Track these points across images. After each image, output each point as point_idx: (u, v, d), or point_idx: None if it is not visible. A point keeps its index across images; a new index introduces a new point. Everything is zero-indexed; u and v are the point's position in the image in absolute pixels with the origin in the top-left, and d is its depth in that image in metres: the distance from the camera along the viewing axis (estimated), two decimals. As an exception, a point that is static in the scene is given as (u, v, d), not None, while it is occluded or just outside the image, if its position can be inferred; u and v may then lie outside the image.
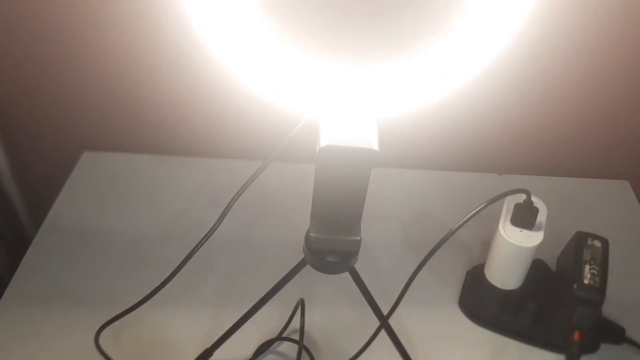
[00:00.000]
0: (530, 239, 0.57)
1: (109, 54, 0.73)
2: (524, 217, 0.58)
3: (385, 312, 0.53)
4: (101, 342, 0.58)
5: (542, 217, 0.58)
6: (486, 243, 0.64)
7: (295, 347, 0.61)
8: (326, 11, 0.52)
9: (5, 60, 0.75)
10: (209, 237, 0.51)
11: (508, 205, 0.60)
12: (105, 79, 0.77)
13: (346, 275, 0.51)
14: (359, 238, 0.47)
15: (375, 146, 0.43)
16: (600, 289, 0.54)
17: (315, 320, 0.64)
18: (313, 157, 0.43)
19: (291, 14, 0.46)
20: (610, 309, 0.61)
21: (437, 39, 0.41)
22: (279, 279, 0.53)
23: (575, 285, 0.55)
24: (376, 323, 0.54)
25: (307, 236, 0.49)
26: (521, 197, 0.58)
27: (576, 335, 0.55)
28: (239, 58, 0.42)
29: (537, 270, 0.63)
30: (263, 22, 0.42)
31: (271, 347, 0.62)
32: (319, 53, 0.42)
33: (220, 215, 0.51)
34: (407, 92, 0.44)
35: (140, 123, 0.83)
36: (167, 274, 0.53)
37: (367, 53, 0.43)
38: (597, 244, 0.57)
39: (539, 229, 0.58)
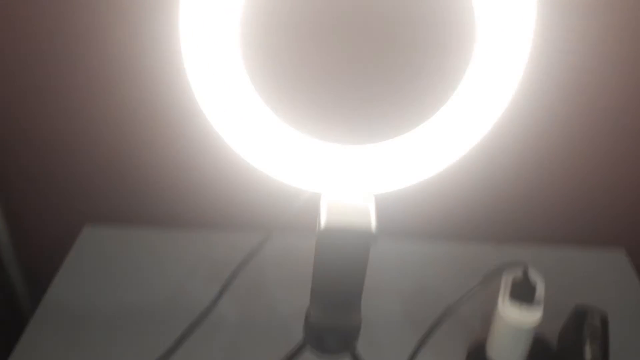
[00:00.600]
0: (529, 317, 0.57)
1: (111, 129, 0.75)
2: (523, 292, 0.58)
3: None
4: None
5: (540, 291, 0.59)
6: (486, 315, 0.64)
7: None
8: (325, 96, 0.55)
9: (7, 132, 0.76)
10: (205, 316, 0.51)
11: (506, 279, 0.60)
12: (106, 152, 0.79)
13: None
14: (359, 318, 0.48)
15: (373, 228, 0.44)
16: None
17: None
18: (313, 227, 0.44)
19: (293, 99, 0.48)
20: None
21: (430, 121, 0.44)
22: (279, 360, 0.52)
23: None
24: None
25: (306, 316, 0.49)
26: (519, 269, 0.58)
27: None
28: (242, 136, 0.44)
29: (539, 348, 0.63)
30: (264, 105, 0.44)
31: None
32: (319, 134, 0.44)
33: (217, 296, 0.51)
34: (403, 169, 0.46)
35: (142, 195, 0.84)
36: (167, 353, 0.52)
37: (364, 134, 0.45)
38: (597, 319, 0.57)
39: (538, 304, 0.58)
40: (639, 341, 0.71)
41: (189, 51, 0.40)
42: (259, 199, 0.74)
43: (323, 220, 0.44)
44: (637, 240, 0.86)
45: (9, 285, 0.88)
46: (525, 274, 0.58)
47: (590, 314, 0.58)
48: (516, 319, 0.57)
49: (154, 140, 0.77)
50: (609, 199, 0.83)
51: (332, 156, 0.45)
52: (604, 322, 0.57)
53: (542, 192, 0.83)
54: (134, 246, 0.83)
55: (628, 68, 0.63)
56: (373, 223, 0.44)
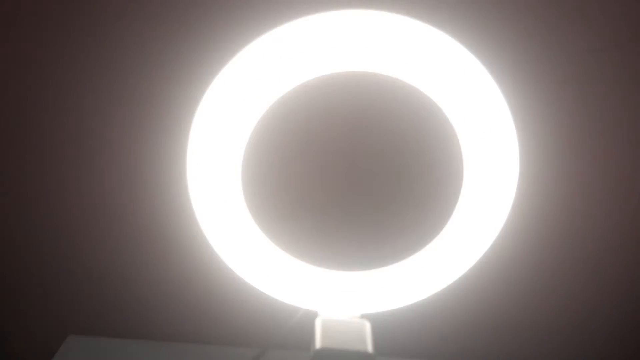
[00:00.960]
0: None
1: (98, 243, 0.75)
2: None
3: None
4: None
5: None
6: None
7: None
8: (321, 225, 0.57)
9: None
10: None
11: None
12: (92, 263, 0.78)
13: None
14: None
15: (369, 348, 0.44)
16: None
17: None
18: (307, 345, 0.44)
19: (290, 228, 0.51)
20: None
21: (424, 250, 0.46)
22: None
23: None
24: None
25: None
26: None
27: None
28: (240, 259, 0.46)
29: None
30: (262, 233, 0.46)
31: None
32: (315, 260, 0.46)
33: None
34: (398, 291, 0.47)
35: (129, 307, 0.83)
36: None
37: (359, 261, 0.47)
38: None
39: None
40: None
41: (192, 184, 0.42)
42: (253, 316, 0.74)
43: (318, 340, 0.44)
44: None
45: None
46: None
47: None
48: None
49: (146, 254, 0.77)
50: (611, 325, 0.83)
51: (327, 280, 0.46)
52: None
53: (539, 317, 0.83)
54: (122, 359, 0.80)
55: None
56: (369, 343, 0.44)
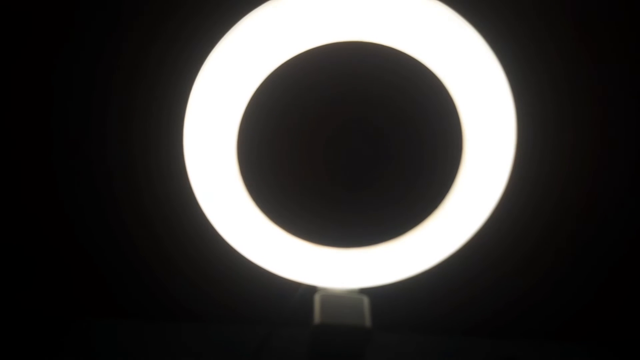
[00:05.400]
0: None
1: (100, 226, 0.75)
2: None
3: None
4: None
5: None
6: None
7: None
8: (319, 203, 0.57)
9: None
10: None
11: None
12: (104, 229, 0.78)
13: None
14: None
15: (368, 322, 0.44)
16: None
17: None
18: (308, 321, 0.44)
19: (290, 207, 0.50)
20: None
21: (423, 224, 0.46)
22: None
23: None
24: None
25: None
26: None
27: None
28: (238, 236, 0.46)
29: None
30: (258, 211, 0.46)
31: None
32: (314, 238, 0.46)
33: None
34: (396, 265, 0.47)
35: (130, 287, 0.83)
36: None
37: (358, 238, 0.47)
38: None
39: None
40: None
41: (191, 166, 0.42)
42: (256, 294, 0.74)
43: (317, 316, 0.44)
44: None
45: None
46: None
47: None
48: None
49: (144, 234, 0.76)
50: (608, 295, 0.83)
51: (326, 256, 0.46)
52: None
53: (539, 288, 0.83)
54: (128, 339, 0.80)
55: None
56: (368, 318, 0.44)
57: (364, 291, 0.48)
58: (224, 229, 0.44)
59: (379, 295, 0.47)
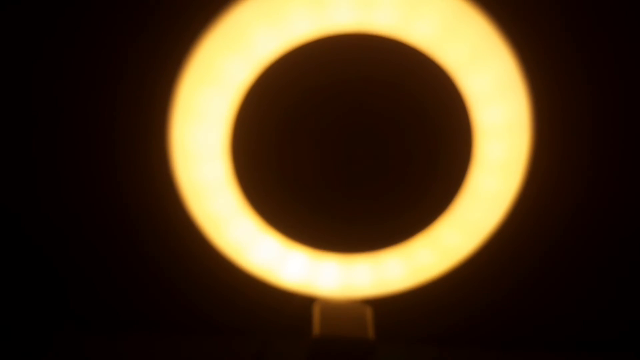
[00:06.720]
0: None
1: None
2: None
3: None
4: None
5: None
6: None
7: None
8: (320, 207, 0.55)
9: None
10: None
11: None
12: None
13: None
14: None
15: (370, 335, 0.41)
16: None
17: None
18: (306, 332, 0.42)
19: (288, 210, 0.48)
20: None
21: (425, 231, 0.43)
22: None
23: None
24: None
25: None
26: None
27: None
28: (231, 243, 0.44)
29: None
30: (255, 214, 0.44)
31: None
32: (313, 243, 0.43)
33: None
34: (400, 275, 0.45)
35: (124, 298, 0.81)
36: None
37: (359, 241, 0.44)
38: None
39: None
40: None
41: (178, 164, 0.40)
42: (251, 304, 0.72)
43: (316, 327, 0.42)
44: None
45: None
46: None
47: None
48: None
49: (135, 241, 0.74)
50: (613, 300, 0.80)
51: (326, 263, 0.44)
52: None
53: (547, 298, 0.80)
54: (119, 352, 0.78)
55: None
56: (370, 330, 0.42)
57: (367, 301, 0.45)
58: (214, 234, 0.42)
59: (383, 305, 0.44)
